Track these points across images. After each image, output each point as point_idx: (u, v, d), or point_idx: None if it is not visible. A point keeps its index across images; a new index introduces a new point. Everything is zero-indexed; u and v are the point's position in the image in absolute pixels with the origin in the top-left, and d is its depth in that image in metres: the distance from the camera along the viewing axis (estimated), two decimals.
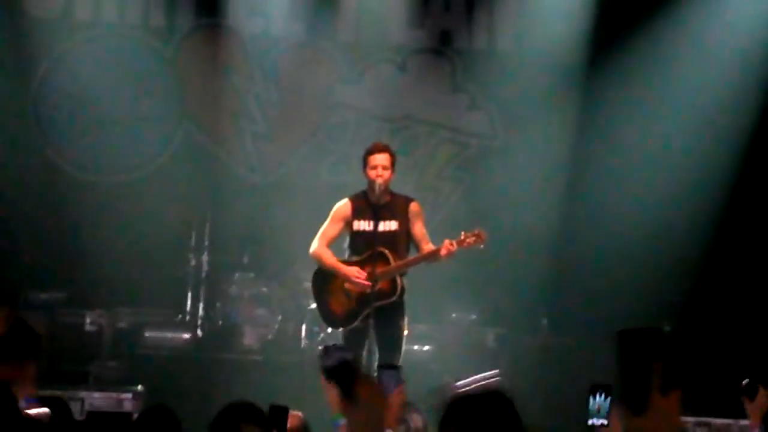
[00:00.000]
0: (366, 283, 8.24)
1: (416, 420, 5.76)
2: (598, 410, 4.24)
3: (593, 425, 4.21)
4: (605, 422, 4.13)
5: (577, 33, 11.77)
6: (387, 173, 8.29)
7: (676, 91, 11.59)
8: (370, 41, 12.26)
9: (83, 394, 8.34)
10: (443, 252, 8.20)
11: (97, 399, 8.28)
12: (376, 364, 8.16)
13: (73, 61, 11.80)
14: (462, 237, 8.25)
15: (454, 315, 11.57)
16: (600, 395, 4.24)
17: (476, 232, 8.27)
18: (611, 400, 4.19)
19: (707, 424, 8.39)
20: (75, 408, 6.30)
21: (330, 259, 8.42)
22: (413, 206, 8.45)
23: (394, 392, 4.70)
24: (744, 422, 8.06)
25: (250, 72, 12.22)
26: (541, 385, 10.15)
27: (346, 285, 8.37)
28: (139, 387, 8.59)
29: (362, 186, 8.53)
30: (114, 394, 8.52)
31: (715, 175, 11.47)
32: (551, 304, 11.51)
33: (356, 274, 8.28)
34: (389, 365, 4.95)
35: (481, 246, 8.28)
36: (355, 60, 12.31)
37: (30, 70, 11.83)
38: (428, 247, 8.34)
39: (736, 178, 11.48)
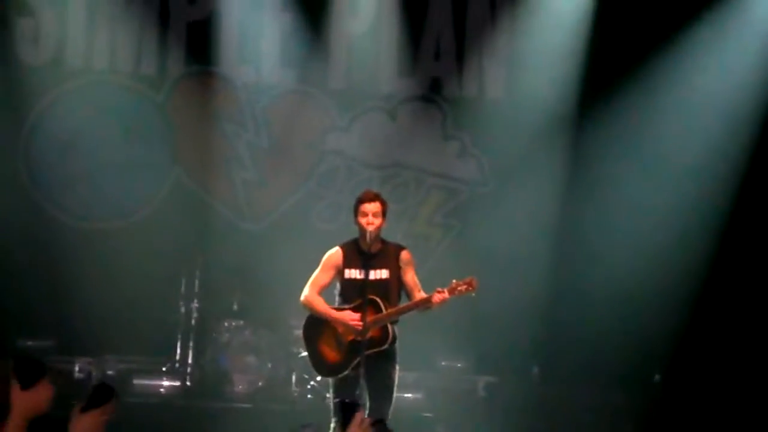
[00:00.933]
0: (359, 324, 8.20)
1: None
2: None
3: None
4: None
5: (568, 81, 11.84)
6: (378, 221, 8.27)
7: (667, 139, 11.63)
8: (360, 89, 12.31)
9: None
10: (435, 300, 8.17)
11: None
12: (366, 412, 8.12)
13: (64, 107, 11.81)
14: (454, 285, 8.22)
15: (443, 363, 11.54)
16: None
17: (468, 280, 8.25)
18: None
19: None
20: None
21: (322, 305, 8.38)
22: (404, 254, 8.44)
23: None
24: None
25: (241, 119, 12.25)
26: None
27: (339, 330, 8.33)
28: None
29: (353, 233, 8.52)
30: None
31: (707, 226, 11.49)
32: (542, 352, 11.50)
33: (349, 317, 8.26)
34: (377, 421, 4.90)
35: (473, 294, 8.26)
36: (345, 107, 12.34)
37: (21, 116, 11.84)
38: (420, 294, 8.32)
39: (726, 229, 11.50)
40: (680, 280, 11.45)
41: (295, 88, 12.19)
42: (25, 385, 4.40)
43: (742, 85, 11.48)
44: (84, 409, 4.37)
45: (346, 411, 4.64)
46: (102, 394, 4.44)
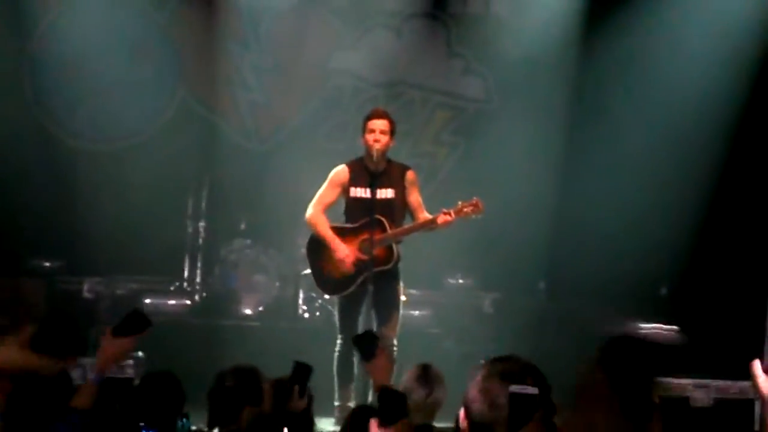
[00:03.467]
0: (351, 268, 8.25)
1: (438, 390, 5.79)
2: None
3: None
4: None
5: None
6: (385, 138, 8.28)
7: (676, 56, 11.56)
8: (365, 6, 12.23)
9: (84, 360, 8.33)
10: (440, 221, 8.21)
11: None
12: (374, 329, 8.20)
13: (67, 28, 11.73)
14: (459, 206, 8.24)
15: (450, 280, 11.60)
16: None
17: (473, 201, 8.26)
18: None
19: (706, 386, 8.41)
20: (76, 375, 6.29)
21: (324, 228, 8.41)
22: (409, 174, 8.44)
23: (375, 358, 4.72)
24: (744, 383, 8.08)
25: (245, 38, 12.19)
26: (540, 350, 10.18)
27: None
28: (140, 353, 8.59)
29: (358, 152, 8.53)
30: None
31: (718, 132, 11.46)
32: (548, 268, 11.55)
33: (344, 255, 8.29)
34: (363, 333, 4.96)
35: (479, 215, 8.28)
36: (350, 25, 12.28)
37: (24, 38, 11.78)
38: (424, 215, 8.35)
39: (731, 152, 11.48)
40: (693, 189, 11.44)
41: (299, 6, 12.11)
42: (119, 333, 4.39)
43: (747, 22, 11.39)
44: (116, 333, 4.39)
45: (363, 343, 4.69)
46: (138, 322, 4.44)
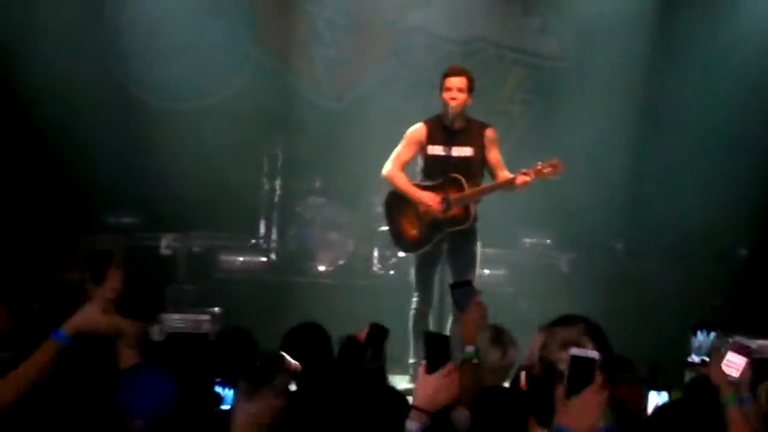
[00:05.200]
0: (439, 208, 8.21)
1: (511, 352, 5.77)
2: (700, 347, 4.22)
3: (693, 362, 4.19)
4: (706, 359, 4.10)
5: None
6: (462, 96, 8.20)
7: (753, 12, 11.36)
8: None
9: (162, 315, 8.43)
10: (519, 181, 8.11)
11: (175, 321, 8.36)
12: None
13: None
14: (539, 167, 8.14)
15: (526, 240, 11.53)
16: (703, 332, 4.22)
17: (553, 162, 8.14)
18: (715, 337, 4.16)
19: None
20: (154, 330, 6.38)
21: (403, 182, 8.38)
22: (489, 132, 8.36)
23: (469, 309, 4.69)
24: None
25: None
26: (617, 312, 10.11)
27: (420, 208, 8.34)
28: (216, 309, 8.65)
29: (434, 111, 8.47)
30: (192, 316, 8.59)
31: None
32: (626, 229, 11.44)
33: (429, 199, 8.24)
34: (461, 282, 4.92)
35: (558, 176, 8.18)
36: None
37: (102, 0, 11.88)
38: (503, 174, 8.25)
39: None
40: (766, 156, 11.29)
41: None
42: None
43: None
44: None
45: (460, 292, 4.66)
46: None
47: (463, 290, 4.69)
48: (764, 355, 8.31)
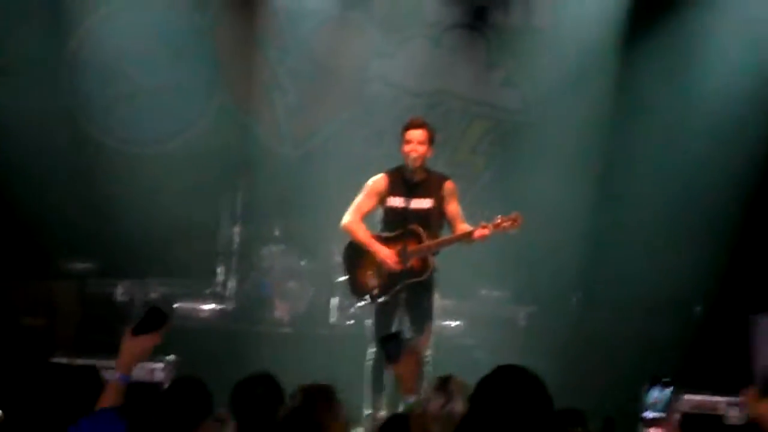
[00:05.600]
0: (395, 266, 8.23)
1: (455, 401, 5.72)
2: (655, 403, 4.22)
3: (647, 417, 4.19)
4: (663, 415, 4.10)
5: (614, 10, 11.69)
6: (422, 148, 8.24)
7: (714, 70, 11.46)
8: (405, 15, 12.21)
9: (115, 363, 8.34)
10: (477, 235, 8.14)
11: None
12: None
13: (107, 30, 11.77)
14: (498, 221, 8.18)
15: (485, 292, 11.54)
16: (659, 388, 4.22)
17: (513, 216, 8.18)
18: (671, 394, 4.17)
19: (739, 404, 8.31)
20: (108, 377, 6.29)
21: (362, 233, 8.39)
22: (448, 184, 8.39)
23: (402, 361, 4.68)
24: None
25: (284, 44, 12.19)
26: (574, 365, 10.12)
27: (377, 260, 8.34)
28: (171, 357, 8.58)
29: (395, 161, 8.49)
30: (146, 364, 8.52)
31: (753, 147, 11.36)
32: (583, 282, 11.46)
33: (385, 255, 8.26)
34: (390, 335, 4.91)
35: (517, 230, 8.21)
36: (389, 34, 12.26)
37: (64, 39, 11.82)
38: (462, 227, 8.28)
39: None
40: (725, 213, 11.36)
41: (338, 13, 12.10)
42: (139, 331, 4.37)
43: None
44: (136, 332, 4.36)
45: (390, 345, 4.65)
46: (156, 318, 4.41)
47: (394, 343, 4.68)
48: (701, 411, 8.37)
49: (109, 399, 4.21)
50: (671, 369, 8.95)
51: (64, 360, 8.19)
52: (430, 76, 12.25)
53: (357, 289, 8.56)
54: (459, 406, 5.72)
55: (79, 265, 11.21)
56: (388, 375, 8.27)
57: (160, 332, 4.36)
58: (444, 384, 5.78)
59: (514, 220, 8.17)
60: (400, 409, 7.30)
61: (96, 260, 11.31)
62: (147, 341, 4.34)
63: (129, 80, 11.75)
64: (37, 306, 10.25)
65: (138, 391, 4.45)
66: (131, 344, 4.32)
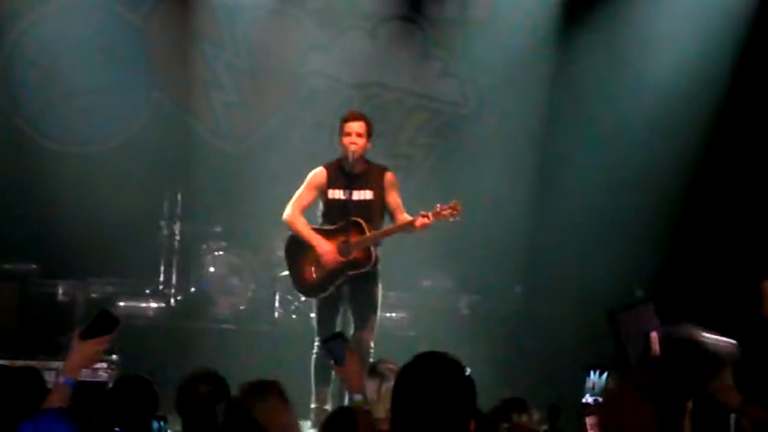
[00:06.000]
0: (335, 261, 8.24)
1: (388, 380, 5.76)
2: (593, 388, 4.28)
3: (587, 402, 4.24)
4: (600, 399, 4.17)
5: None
6: (362, 141, 8.26)
7: (656, 59, 11.54)
8: (340, 8, 12.20)
9: (57, 364, 8.28)
10: (417, 224, 8.17)
11: None
12: (351, 332, 8.19)
13: (42, 30, 11.68)
14: (438, 209, 8.21)
15: (427, 282, 11.58)
16: (596, 373, 4.29)
17: (452, 204, 8.22)
18: (606, 378, 4.23)
19: None
20: (49, 378, 6.24)
21: (302, 226, 8.40)
22: (388, 176, 8.41)
23: (346, 361, 4.70)
24: None
25: (220, 40, 12.15)
26: (517, 354, 10.19)
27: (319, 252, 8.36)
28: (114, 356, 8.53)
29: (334, 154, 8.51)
30: None
31: (690, 138, 11.45)
32: (525, 271, 11.53)
33: (326, 251, 8.27)
34: (332, 336, 4.93)
35: (457, 218, 8.25)
36: (325, 27, 12.25)
37: None
38: (403, 217, 8.31)
39: (709, 151, 11.46)
40: (666, 193, 11.44)
41: (274, 7, 12.07)
42: (88, 335, 4.31)
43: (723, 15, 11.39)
44: (85, 336, 4.31)
45: (333, 346, 4.67)
46: (105, 322, 4.36)
47: (336, 343, 4.70)
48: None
49: (53, 403, 4.18)
50: (609, 356, 9.08)
51: (4, 361, 8.12)
52: (368, 68, 12.25)
53: (300, 283, 8.57)
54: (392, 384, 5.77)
55: (20, 266, 11.11)
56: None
57: (109, 336, 4.30)
58: (374, 367, 5.85)
59: (453, 208, 8.20)
60: (346, 401, 7.36)
61: (37, 261, 11.22)
62: (96, 345, 4.28)
63: (64, 81, 11.65)
64: None
65: (82, 391, 4.43)
66: (80, 348, 4.27)
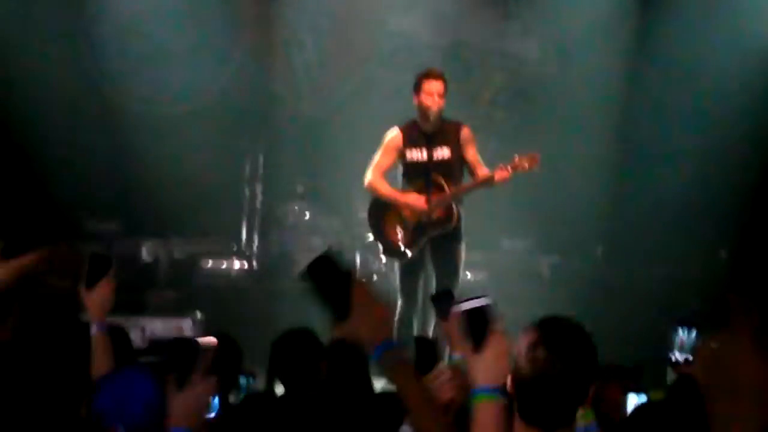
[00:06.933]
0: (425, 208, 8.21)
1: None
2: (682, 345, 4.24)
3: (675, 360, 4.20)
4: (689, 357, 4.12)
5: None
6: (442, 101, 8.22)
7: (736, 21, 11.38)
8: None
9: (143, 321, 8.42)
10: (497, 176, 8.11)
11: (157, 326, 8.34)
12: (432, 291, 8.18)
13: None
14: (516, 161, 8.14)
15: (507, 243, 11.54)
16: (685, 330, 4.24)
17: (530, 155, 8.17)
18: (697, 336, 4.19)
19: None
20: (135, 335, 6.34)
21: (386, 189, 8.37)
22: (464, 131, 8.35)
23: (451, 318, 4.68)
24: None
25: (301, 1, 12.16)
26: (599, 315, 10.12)
27: (404, 213, 8.34)
28: (198, 314, 8.64)
29: (415, 114, 8.47)
30: (174, 322, 8.57)
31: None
32: (606, 233, 11.46)
33: (413, 200, 8.25)
34: (442, 292, 4.90)
35: (536, 169, 8.19)
36: None
37: (81, 7, 11.83)
38: (482, 172, 8.26)
39: None
40: (748, 156, 11.31)
41: None
42: (91, 284, 4.38)
43: None
44: (89, 285, 4.37)
45: (441, 301, 4.65)
46: (101, 264, 4.42)
47: (445, 299, 4.69)
48: None
49: (100, 352, 4.24)
50: (698, 313, 9.01)
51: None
52: (448, 28, 12.21)
53: (385, 246, 8.56)
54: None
55: (104, 226, 11.26)
56: (416, 329, 8.30)
57: (110, 276, 4.36)
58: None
59: (532, 158, 8.13)
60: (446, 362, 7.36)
61: (120, 221, 11.36)
62: (104, 288, 4.35)
63: (147, 42, 11.74)
64: (63, 267, 10.29)
65: (169, 346, 4.47)
66: (91, 297, 4.34)
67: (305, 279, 3.12)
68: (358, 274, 3.58)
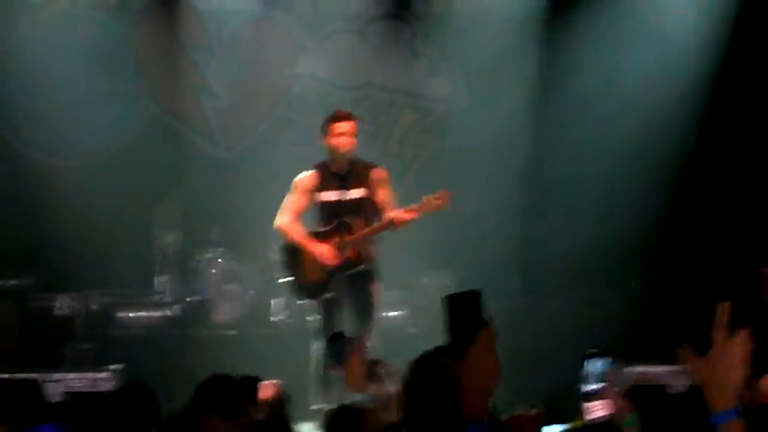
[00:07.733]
0: (333, 261, 8.24)
1: (387, 386, 5.76)
2: (593, 375, 4.29)
3: (585, 390, 4.25)
4: (601, 386, 4.17)
5: None
6: (354, 141, 8.27)
7: (638, 43, 11.57)
8: (327, 10, 12.22)
9: (58, 375, 8.30)
10: (396, 220, 8.09)
11: (73, 380, 8.23)
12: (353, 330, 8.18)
13: (30, 41, 11.67)
14: (424, 201, 8.19)
15: (425, 280, 11.56)
16: (593, 361, 4.29)
17: (440, 193, 8.22)
18: (607, 364, 4.23)
19: (681, 373, 8.41)
20: (53, 390, 6.27)
21: (297, 233, 8.39)
22: (375, 172, 8.40)
23: (347, 360, 4.69)
24: None
25: (208, 46, 12.15)
26: (515, 349, 10.16)
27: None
28: (115, 366, 8.54)
29: (326, 156, 8.49)
30: (90, 375, 8.47)
31: (683, 125, 11.48)
32: (522, 266, 11.52)
33: (322, 252, 8.27)
34: (334, 335, 4.92)
35: (447, 206, 8.23)
36: (313, 30, 12.26)
37: None
38: (390, 214, 8.30)
39: (702, 123, 11.49)
40: (658, 187, 11.48)
41: (261, 13, 12.08)
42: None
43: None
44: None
45: (336, 344, 4.66)
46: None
47: (338, 342, 4.71)
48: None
49: None
50: (614, 343, 9.10)
51: (5, 375, 8.12)
52: (356, 69, 12.27)
53: (298, 287, 8.56)
54: (392, 388, 5.77)
55: (16, 282, 11.10)
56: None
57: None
58: (373, 369, 5.84)
59: (442, 196, 8.16)
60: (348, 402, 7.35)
61: (33, 276, 11.20)
62: None
63: (53, 92, 11.64)
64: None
65: (82, 401, 4.43)
66: None
67: (445, 304, 3.11)
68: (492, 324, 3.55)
